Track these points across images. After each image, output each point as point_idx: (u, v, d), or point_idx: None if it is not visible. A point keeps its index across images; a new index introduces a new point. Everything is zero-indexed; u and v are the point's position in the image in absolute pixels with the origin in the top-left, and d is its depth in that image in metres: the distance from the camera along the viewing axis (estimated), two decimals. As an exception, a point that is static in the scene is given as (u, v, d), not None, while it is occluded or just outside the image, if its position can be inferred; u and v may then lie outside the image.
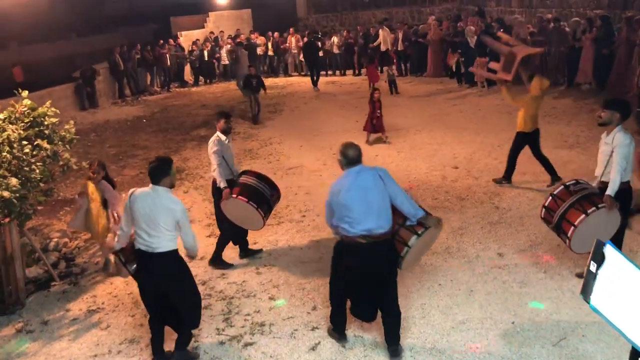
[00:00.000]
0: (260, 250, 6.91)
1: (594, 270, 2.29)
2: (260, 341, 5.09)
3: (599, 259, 2.32)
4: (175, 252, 4.62)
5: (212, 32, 22.53)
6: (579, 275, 5.57)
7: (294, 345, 4.99)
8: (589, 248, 5.31)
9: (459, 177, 8.87)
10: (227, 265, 6.61)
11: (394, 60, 18.33)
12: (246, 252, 6.83)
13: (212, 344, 5.11)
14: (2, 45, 30.05)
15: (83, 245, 7.69)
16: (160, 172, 4.59)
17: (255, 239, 7.20)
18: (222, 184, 6.26)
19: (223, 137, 6.43)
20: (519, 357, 4.56)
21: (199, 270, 6.53)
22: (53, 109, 6.31)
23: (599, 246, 2.40)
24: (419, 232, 4.58)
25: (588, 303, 2.18)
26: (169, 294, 4.60)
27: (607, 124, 5.23)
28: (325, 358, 4.78)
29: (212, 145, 6.34)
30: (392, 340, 4.68)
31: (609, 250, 2.39)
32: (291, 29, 21.53)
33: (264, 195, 6.34)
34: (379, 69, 17.66)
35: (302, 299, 5.75)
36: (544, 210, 5.52)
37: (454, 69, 16.58)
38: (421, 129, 11.97)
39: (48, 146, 5.85)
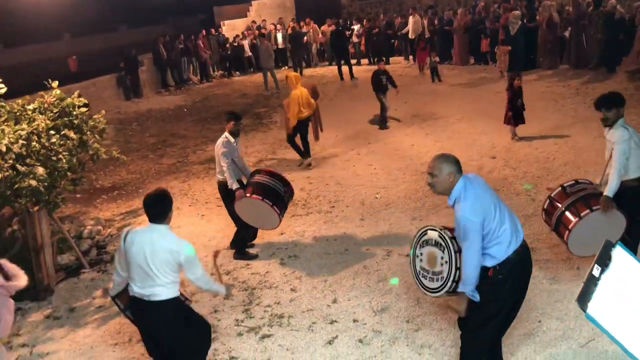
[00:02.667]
0: (256, 255, 6.61)
1: (597, 275, 2.09)
2: (278, 333, 5.03)
3: (605, 262, 2.12)
4: (173, 301, 4.06)
5: (254, 22, 22.58)
6: None
7: (310, 338, 4.91)
8: (592, 251, 5.01)
9: (496, 168, 8.56)
10: (252, 256, 6.59)
11: (428, 48, 17.78)
12: (244, 255, 6.63)
13: (229, 335, 5.09)
14: (56, 36, 31.14)
15: (116, 233, 7.83)
16: (163, 210, 4.00)
17: (283, 229, 7.15)
18: (234, 185, 6.19)
19: (232, 139, 6.31)
20: (544, 358, 4.34)
21: (225, 260, 6.54)
22: (82, 99, 6.39)
23: (607, 247, 2.19)
24: None
25: (584, 312, 1.98)
26: (165, 343, 4.12)
27: (615, 122, 4.91)
28: (342, 353, 4.68)
29: (220, 147, 6.23)
30: None
31: (618, 252, 2.18)
32: (328, 20, 21.09)
33: (278, 193, 6.26)
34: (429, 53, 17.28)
35: (324, 292, 5.67)
36: (544, 213, 5.27)
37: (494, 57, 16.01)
38: (461, 117, 11.63)
39: (75, 136, 5.93)
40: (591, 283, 2.09)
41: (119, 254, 4.12)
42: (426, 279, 4.04)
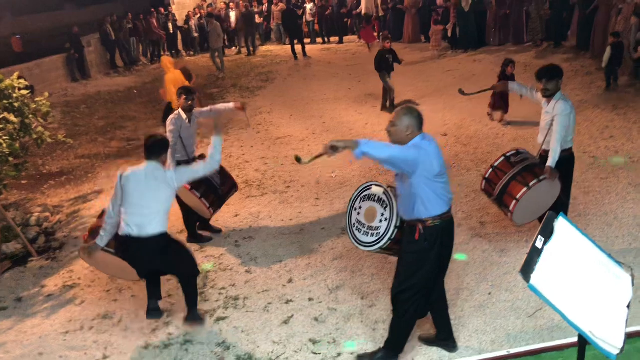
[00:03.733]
0: (210, 238, 6.51)
1: (539, 246, 2.14)
2: (233, 315, 5.01)
3: (548, 233, 2.17)
4: (165, 235, 4.53)
5: (204, 0, 22.07)
6: None
7: (266, 319, 4.91)
8: (529, 219, 5.20)
9: (447, 144, 8.68)
10: (205, 239, 6.49)
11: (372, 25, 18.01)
12: (206, 227, 6.62)
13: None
14: (-3, 15, 29.68)
15: (65, 220, 7.60)
16: (160, 147, 4.53)
17: (238, 211, 7.10)
18: (171, 167, 5.61)
19: (184, 116, 5.99)
20: (493, 329, 4.46)
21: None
22: (23, 80, 6.12)
23: (550, 219, 2.25)
24: None
25: (527, 283, 2.02)
26: (163, 270, 4.78)
27: (555, 93, 5.05)
28: (297, 332, 4.70)
29: (169, 124, 5.93)
30: (450, 330, 4.25)
31: (561, 223, 2.23)
32: None
33: (211, 185, 6.02)
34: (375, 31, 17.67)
35: (279, 272, 5.66)
36: (484, 182, 5.41)
37: (449, 34, 16.17)
38: (413, 96, 11.71)
39: (15, 119, 5.69)
40: (534, 254, 2.13)
41: (115, 196, 4.47)
42: (360, 232, 4.21)
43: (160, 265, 4.68)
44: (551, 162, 4.94)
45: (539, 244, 2.15)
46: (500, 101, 9.28)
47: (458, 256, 5.51)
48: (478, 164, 7.80)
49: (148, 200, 4.40)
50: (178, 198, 6.19)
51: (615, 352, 1.94)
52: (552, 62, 5.40)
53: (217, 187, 6.13)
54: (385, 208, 4.10)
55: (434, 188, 3.72)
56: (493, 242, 5.74)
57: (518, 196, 5.02)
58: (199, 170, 4.72)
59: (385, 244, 4.05)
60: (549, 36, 14.44)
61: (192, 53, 20.79)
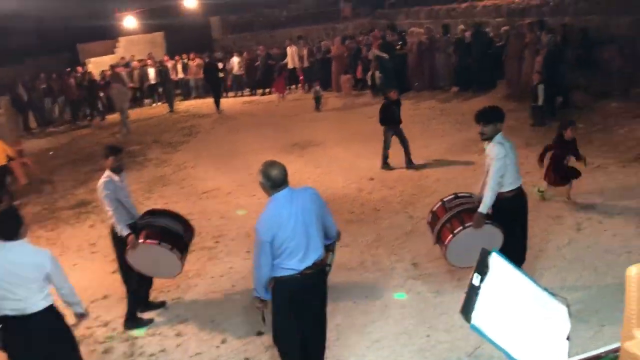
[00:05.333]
0: (163, 303, 6.05)
1: (477, 284, 2.10)
2: (164, 384, 4.69)
3: (484, 270, 2.15)
4: (53, 308, 4.01)
5: (123, 57, 21.76)
6: None
7: (200, 384, 4.62)
8: (470, 263, 5.21)
9: (375, 189, 8.77)
10: (146, 322, 5.74)
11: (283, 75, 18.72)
12: (147, 306, 5.96)
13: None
14: None
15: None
16: (14, 225, 3.89)
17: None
18: (124, 232, 5.31)
19: (115, 177, 5.42)
20: (435, 371, 4.40)
21: (101, 310, 6.04)
22: None
23: (484, 256, 2.23)
24: (332, 249, 4.37)
25: (469, 323, 1.98)
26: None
27: (492, 137, 4.95)
28: (234, 395, 4.44)
29: (101, 189, 5.31)
30: None
31: (495, 259, 2.22)
32: (192, 54, 20.73)
33: (177, 234, 5.57)
34: (287, 85, 18.71)
35: (212, 333, 5.40)
36: (428, 226, 5.45)
37: (369, 82, 16.69)
38: (338, 143, 11.87)
39: None
40: (472, 293, 2.09)
41: None
42: None
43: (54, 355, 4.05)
44: (481, 207, 4.90)
45: (476, 282, 2.12)
46: (557, 173, 7.18)
47: (397, 295, 5.50)
48: (405, 205, 7.91)
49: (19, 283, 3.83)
50: (123, 272, 5.59)
51: (561, 386, 1.91)
52: (477, 108, 5.39)
53: (182, 236, 5.62)
54: None
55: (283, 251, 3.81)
56: (427, 283, 5.75)
57: (446, 242, 5.05)
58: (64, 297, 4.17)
59: None
60: (458, 82, 15.08)
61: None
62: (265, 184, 3.85)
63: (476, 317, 1.98)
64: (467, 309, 2.02)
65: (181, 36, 24.45)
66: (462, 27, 14.98)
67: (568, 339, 2.15)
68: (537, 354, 1.98)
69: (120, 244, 5.44)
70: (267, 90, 19.64)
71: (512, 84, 13.12)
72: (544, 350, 2.02)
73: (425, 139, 11.12)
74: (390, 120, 9.60)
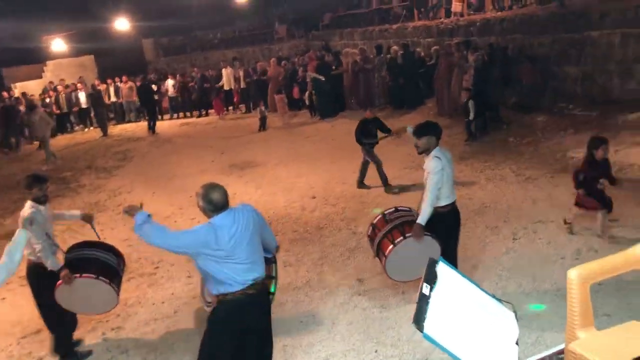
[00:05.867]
0: (89, 353, 5.48)
1: (427, 293, 2.12)
2: (105, 419, 4.45)
3: (432, 279, 2.17)
4: None
5: (51, 82, 20.99)
6: None
7: (144, 416, 4.42)
8: (410, 276, 5.21)
9: (317, 207, 8.78)
10: (85, 355, 5.40)
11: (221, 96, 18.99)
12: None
13: None
14: None
15: None
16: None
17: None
18: (55, 266, 4.86)
19: (41, 207, 5.01)
20: (385, 386, 4.39)
21: (33, 345, 5.72)
22: None
23: (432, 265, 2.26)
24: (274, 260, 4.38)
25: (421, 332, 2.00)
26: None
27: (428, 150, 5.01)
28: None
29: (28, 222, 4.75)
30: None
31: (442, 267, 2.25)
32: (124, 77, 20.18)
33: (111, 266, 5.18)
34: (225, 105, 19.03)
35: (154, 362, 5.19)
36: (368, 240, 5.54)
37: (307, 102, 16.81)
38: (278, 163, 11.86)
39: None
40: (423, 302, 2.10)
41: None
42: None
43: None
44: (420, 219, 4.98)
45: (425, 291, 2.13)
46: (590, 197, 6.25)
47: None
48: (348, 222, 7.95)
49: None
50: (45, 314, 5.18)
51: (514, 390, 1.95)
52: (429, 120, 5.48)
53: (117, 268, 5.26)
54: None
55: (226, 267, 3.67)
56: (372, 298, 5.77)
57: (386, 253, 5.13)
58: None
59: None
60: (392, 100, 15.40)
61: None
62: (206, 208, 3.74)
63: (428, 326, 1.99)
64: (418, 319, 2.03)
65: (113, 59, 23.91)
66: (395, 47, 15.38)
67: (517, 343, 2.20)
68: (488, 356, 2.00)
69: (42, 281, 4.99)
70: (204, 112, 19.48)
71: (441, 102, 13.55)
72: (495, 355, 2.05)
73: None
74: (364, 138, 9.25)
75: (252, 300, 3.74)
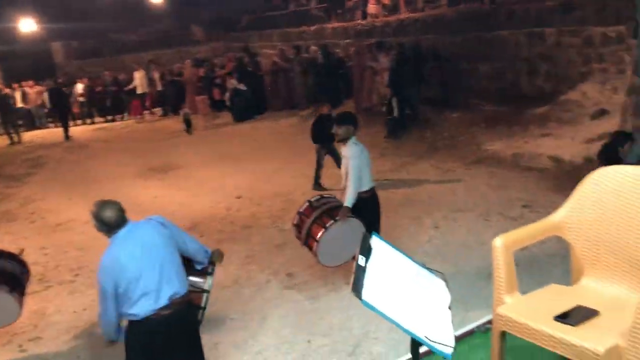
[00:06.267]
0: None
1: (363, 264, 2.18)
2: None
3: (367, 251, 2.23)
4: None
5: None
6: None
7: None
8: (339, 260, 5.36)
9: (243, 207, 8.72)
10: None
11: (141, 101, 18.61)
12: None
13: None
14: None
15: None
16: None
17: (17, 311, 6.12)
18: None
19: None
20: (319, 375, 4.42)
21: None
22: None
23: (366, 238, 2.33)
24: (210, 271, 3.99)
25: (360, 300, 2.05)
26: None
27: (346, 138, 5.32)
28: None
29: None
30: None
31: (375, 241, 2.33)
32: (30, 81, 19.19)
33: (13, 275, 4.85)
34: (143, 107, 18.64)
35: (78, 370, 4.96)
36: (294, 228, 5.61)
37: (228, 104, 16.65)
38: (203, 164, 11.68)
39: None
40: (360, 272, 2.16)
41: None
42: None
43: None
44: (346, 202, 5.21)
45: (361, 263, 2.19)
46: None
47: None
48: (275, 220, 7.95)
49: None
50: None
51: (450, 351, 2.03)
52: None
53: (20, 277, 4.91)
54: None
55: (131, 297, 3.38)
56: (303, 291, 5.80)
57: (317, 237, 5.23)
58: None
59: None
60: (312, 100, 15.52)
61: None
62: (100, 229, 3.47)
63: (366, 293, 2.05)
64: (356, 287, 2.08)
65: (18, 63, 22.61)
66: (314, 47, 15.56)
67: (450, 308, 2.31)
68: (425, 324, 2.08)
69: None
70: (119, 116, 18.88)
71: (357, 101, 13.85)
72: (429, 319, 2.13)
73: (292, 154, 11.32)
74: (322, 137, 8.57)
75: (167, 322, 3.41)
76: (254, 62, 17.10)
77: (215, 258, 4.03)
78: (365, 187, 5.32)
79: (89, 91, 18.92)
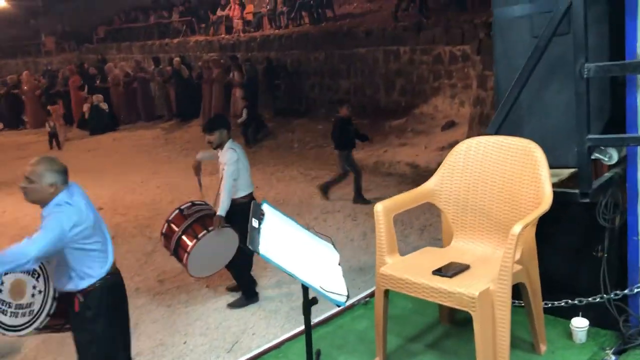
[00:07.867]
0: None
1: (257, 226, 2.24)
2: None
3: (259, 215, 2.29)
4: None
5: None
6: (229, 288, 5.56)
7: None
8: (210, 270, 5.20)
9: (106, 217, 8.19)
10: None
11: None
12: None
13: None
14: None
15: None
16: None
17: None
18: None
19: None
20: (198, 374, 4.32)
21: None
22: None
23: (257, 205, 2.39)
24: None
25: (258, 253, 2.10)
26: None
27: (221, 144, 5.07)
28: None
29: None
30: None
31: (266, 207, 2.41)
32: None
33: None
34: None
35: None
36: (163, 237, 5.27)
37: (86, 117, 15.72)
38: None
39: None
40: (254, 232, 2.23)
41: None
42: (6, 315, 3.28)
43: None
44: (220, 210, 4.93)
45: (255, 224, 2.23)
46: None
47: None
48: (142, 229, 7.66)
49: None
50: None
51: (344, 299, 2.13)
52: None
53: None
54: (37, 278, 3.36)
55: (91, 250, 3.22)
56: (176, 296, 5.63)
57: (188, 249, 4.93)
58: None
59: (42, 322, 3.31)
60: (178, 112, 15.28)
61: None
62: (58, 180, 3.15)
63: (262, 248, 2.09)
64: (253, 243, 2.12)
65: None
66: (177, 59, 15.31)
67: (339, 264, 2.42)
68: (319, 277, 2.16)
69: None
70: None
71: (205, 113, 13.80)
72: (322, 272, 2.22)
73: (154, 165, 11.00)
74: (346, 142, 7.77)
75: (115, 279, 3.42)
76: (99, 74, 16.41)
77: None
78: (244, 192, 5.12)
79: None
